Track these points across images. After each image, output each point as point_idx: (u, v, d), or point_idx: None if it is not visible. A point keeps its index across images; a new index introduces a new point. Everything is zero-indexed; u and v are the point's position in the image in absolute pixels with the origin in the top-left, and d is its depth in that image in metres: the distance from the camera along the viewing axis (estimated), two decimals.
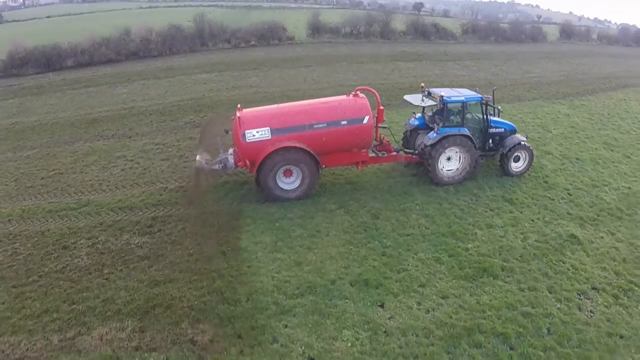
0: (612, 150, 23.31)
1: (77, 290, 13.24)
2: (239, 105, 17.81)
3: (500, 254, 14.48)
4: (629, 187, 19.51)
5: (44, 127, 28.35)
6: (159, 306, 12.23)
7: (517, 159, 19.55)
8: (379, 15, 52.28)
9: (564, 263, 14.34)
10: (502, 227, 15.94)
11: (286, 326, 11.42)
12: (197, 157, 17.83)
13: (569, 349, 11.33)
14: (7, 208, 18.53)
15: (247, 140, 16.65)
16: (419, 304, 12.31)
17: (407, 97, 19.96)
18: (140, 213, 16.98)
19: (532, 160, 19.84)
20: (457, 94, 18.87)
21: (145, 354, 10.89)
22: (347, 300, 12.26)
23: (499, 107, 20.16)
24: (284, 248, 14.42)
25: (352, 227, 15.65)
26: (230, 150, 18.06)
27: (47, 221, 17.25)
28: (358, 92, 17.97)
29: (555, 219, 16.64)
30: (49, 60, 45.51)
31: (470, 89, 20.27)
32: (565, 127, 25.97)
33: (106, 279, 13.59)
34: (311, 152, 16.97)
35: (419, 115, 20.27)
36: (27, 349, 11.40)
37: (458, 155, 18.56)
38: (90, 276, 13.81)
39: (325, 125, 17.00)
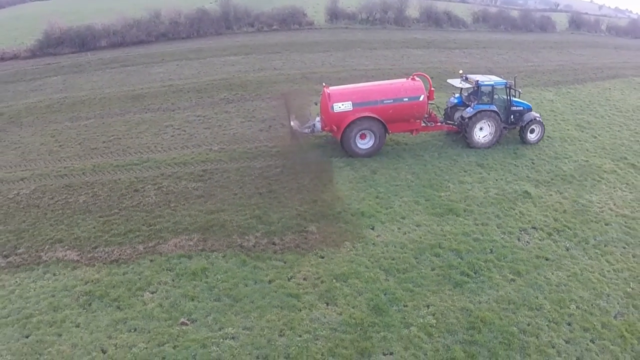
0: (582, 131, 28.52)
1: (152, 217, 19.08)
2: (324, 83, 24.54)
3: (465, 201, 20.13)
4: (587, 161, 24.83)
5: (93, 101, 33.73)
6: (215, 225, 18.10)
7: (532, 131, 25.88)
8: (395, 2, 57.27)
9: (513, 210, 19.95)
10: (470, 183, 21.59)
11: (305, 238, 17.29)
12: (292, 123, 24.16)
13: (504, 262, 16.92)
14: (79, 164, 24.23)
15: (335, 111, 22.88)
16: (399, 229, 18.09)
17: (449, 81, 26.54)
18: (192, 167, 22.76)
19: (544, 132, 26.06)
20: (488, 79, 25.44)
21: (209, 253, 16.77)
22: (348, 224, 18.12)
23: (520, 90, 26.48)
24: (304, 191, 20.24)
25: (355, 179, 21.48)
26: (317, 118, 24.62)
27: (116, 173, 22.96)
28: (415, 77, 24.35)
29: (516, 180, 22.19)
30: (83, 40, 50.28)
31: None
32: (546, 110, 31.16)
33: (173, 209, 19.43)
34: (381, 120, 23.07)
35: (457, 95, 26.60)
36: (119, 254, 17.19)
37: (488, 126, 24.85)
38: (160, 208, 19.64)
39: (392, 100, 23.25)
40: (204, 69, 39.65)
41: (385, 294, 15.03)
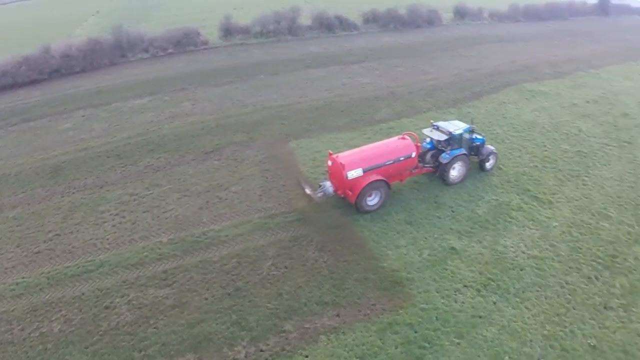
0: None
1: (138, 340, 21.08)
2: (329, 151, 29.88)
3: (405, 269, 24.65)
4: (497, 199, 30.22)
5: (10, 178, 34.20)
6: (203, 341, 21.02)
7: (487, 161, 33.27)
8: (287, 12, 60.67)
9: (446, 270, 24.71)
10: (405, 246, 26.20)
11: (286, 338, 21.01)
12: (306, 190, 29.41)
13: (449, 328, 21.64)
14: (30, 277, 24.65)
15: (349, 178, 27.94)
16: (359, 311, 22.27)
17: (424, 131, 32.85)
18: (151, 268, 25.04)
19: (497, 160, 33.78)
20: (456, 127, 32.02)
21: None
22: (315, 315, 22.03)
23: (483, 134, 34.52)
24: (267, 284, 23.86)
25: (308, 261, 25.13)
26: (328, 182, 29.47)
27: (74, 285, 24.04)
28: (405, 136, 30.65)
29: (442, 235, 27.05)
30: None
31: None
32: None
33: (155, 327, 21.69)
34: (385, 180, 28.62)
35: (429, 139, 32.93)
36: None
37: (460, 165, 31.72)
38: (141, 328, 21.66)
39: (392, 161, 29.29)
40: (114, 120, 41.26)
41: None
